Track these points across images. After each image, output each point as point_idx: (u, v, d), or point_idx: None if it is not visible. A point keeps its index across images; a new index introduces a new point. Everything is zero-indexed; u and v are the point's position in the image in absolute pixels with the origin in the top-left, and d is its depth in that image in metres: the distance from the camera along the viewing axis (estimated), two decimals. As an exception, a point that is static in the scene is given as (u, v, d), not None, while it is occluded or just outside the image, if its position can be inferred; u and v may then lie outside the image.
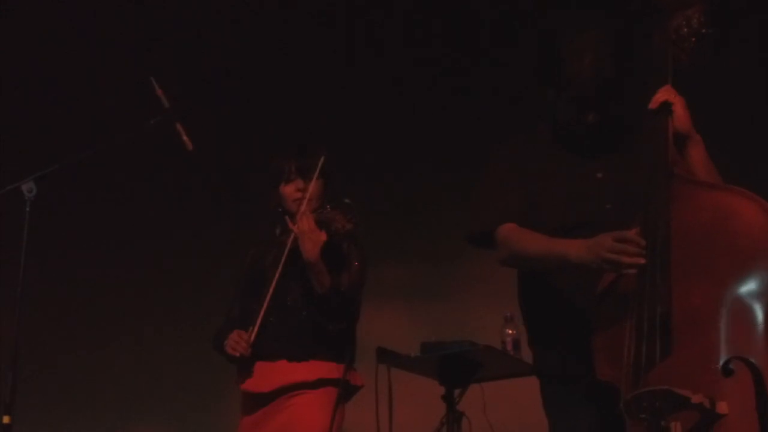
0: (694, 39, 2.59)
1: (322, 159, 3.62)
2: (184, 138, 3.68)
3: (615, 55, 2.69)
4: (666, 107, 2.52)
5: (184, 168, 4.86)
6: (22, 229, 3.52)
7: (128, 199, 5.56)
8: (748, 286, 2.28)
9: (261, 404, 3.65)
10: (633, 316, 2.37)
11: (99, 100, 5.64)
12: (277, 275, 3.59)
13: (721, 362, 2.23)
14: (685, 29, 2.59)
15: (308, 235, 3.51)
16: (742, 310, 2.27)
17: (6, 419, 3.31)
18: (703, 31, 2.60)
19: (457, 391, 3.93)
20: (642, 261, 2.34)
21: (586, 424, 2.61)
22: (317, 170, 3.59)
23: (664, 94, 2.55)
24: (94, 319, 5.35)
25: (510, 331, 4.04)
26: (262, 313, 3.58)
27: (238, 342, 3.59)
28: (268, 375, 3.62)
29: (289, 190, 3.66)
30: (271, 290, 3.61)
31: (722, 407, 2.19)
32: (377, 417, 3.76)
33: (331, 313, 3.56)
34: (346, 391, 3.59)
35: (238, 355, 3.59)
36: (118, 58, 5.86)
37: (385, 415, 3.78)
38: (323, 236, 3.51)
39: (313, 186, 3.62)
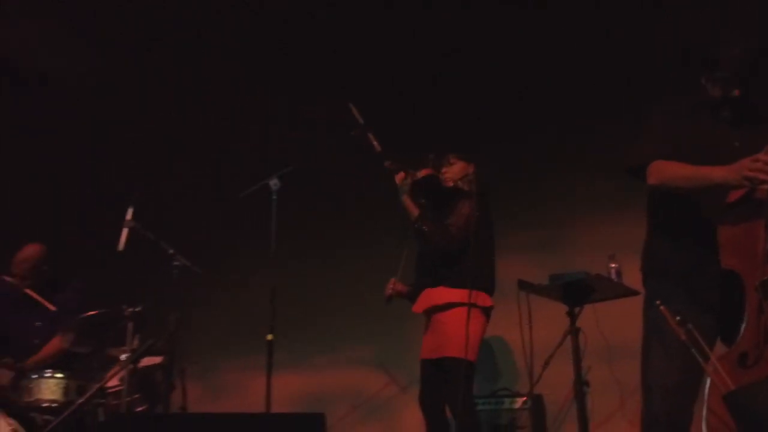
0: None
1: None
2: (374, 143, 4.25)
3: (761, 45, 2.65)
4: None
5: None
6: (271, 213, 4.13)
7: (337, 188, 5.60)
8: None
9: (426, 323, 4.15)
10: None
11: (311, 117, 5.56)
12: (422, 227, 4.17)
13: None
14: None
15: (399, 184, 4.14)
16: None
17: (269, 337, 3.95)
18: None
19: (576, 309, 4.05)
20: None
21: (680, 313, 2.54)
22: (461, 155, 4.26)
23: None
24: (323, 271, 5.58)
25: (613, 265, 4.12)
26: (403, 258, 4.18)
27: (387, 287, 4.20)
28: (421, 299, 4.13)
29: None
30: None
31: None
32: (521, 331, 3.97)
33: (423, 235, 4.06)
34: (483, 310, 3.97)
35: (386, 295, 4.22)
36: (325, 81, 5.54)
37: (527, 329, 3.97)
38: (405, 186, 4.12)
39: (457, 165, 4.23)
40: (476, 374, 4.74)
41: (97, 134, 6.19)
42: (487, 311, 4.05)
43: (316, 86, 5.59)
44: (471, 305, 3.81)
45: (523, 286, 4.05)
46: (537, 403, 4.58)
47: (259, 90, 5.82)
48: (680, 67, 4.45)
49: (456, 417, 3.87)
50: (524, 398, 4.49)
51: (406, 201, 4.12)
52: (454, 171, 4.23)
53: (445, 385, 3.94)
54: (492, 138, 5.29)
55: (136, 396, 4.13)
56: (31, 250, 4.64)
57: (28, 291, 4.55)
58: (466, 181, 4.20)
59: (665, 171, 2.71)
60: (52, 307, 4.53)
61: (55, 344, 4.40)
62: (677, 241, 2.80)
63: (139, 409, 4.16)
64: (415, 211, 4.12)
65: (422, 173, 4.15)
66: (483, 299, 3.99)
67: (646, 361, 2.82)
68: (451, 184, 4.17)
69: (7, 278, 4.57)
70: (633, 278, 4.00)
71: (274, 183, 4.14)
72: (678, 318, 2.50)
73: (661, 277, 2.86)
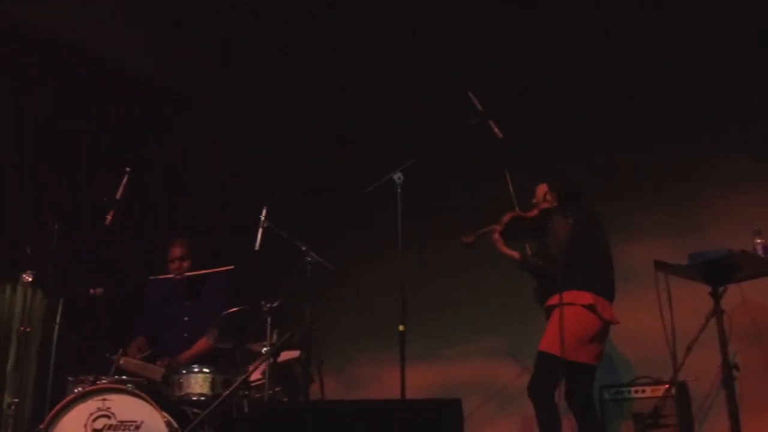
0: None
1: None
2: (495, 130, 4.12)
3: None
4: None
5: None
6: (395, 205, 4.00)
7: (465, 178, 5.57)
8: None
9: None
10: None
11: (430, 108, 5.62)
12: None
13: None
14: None
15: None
16: None
17: (401, 327, 3.83)
18: None
19: (720, 289, 3.86)
20: None
21: None
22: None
23: None
24: (454, 262, 5.45)
25: (759, 240, 3.88)
26: None
27: None
28: None
29: None
30: None
31: None
32: (661, 315, 3.78)
33: (533, 273, 4.30)
34: (583, 307, 4.03)
35: None
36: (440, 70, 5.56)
37: (667, 313, 3.79)
38: (495, 239, 4.38)
39: (538, 189, 4.41)
40: (615, 362, 4.71)
41: (230, 143, 6.42)
42: (590, 308, 4.08)
43: (436, 78, 5.57)
44: (566, 304, 3.92)
45: (661, 267, 3.87)
46: (681, 391, 4.35)
47: (379, 85, 5.86)
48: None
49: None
50: (667, 386, 4.26)
51: (504, 251, 4.38)
52: (538, 196, 4.42)
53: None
54: (625, 114, 5.17)
55: (278, 389, 4.21)
56: (177, 245, 4.87)
57: (180, 278, 4.76)
58: (547, 200, 4.35)
59: None
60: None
61: (202, 345, 4.56)
62: None
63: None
64: (515, 255, 4.35)
65: (504, 220, 4.38)
66: (582, 297, 4.06)
67: None
68: (536, 211, 4.36)
69: (156, 277, 4.81)
70: (782, 254, 3.88)
71: (398, 177, 4.06)
72: None
73: None
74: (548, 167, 4.53)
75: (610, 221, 4.96)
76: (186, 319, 4.79)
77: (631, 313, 4.23)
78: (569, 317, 3.92)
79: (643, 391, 4.44)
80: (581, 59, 5.37)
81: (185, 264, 4.81)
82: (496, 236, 4.39)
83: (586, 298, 4.05)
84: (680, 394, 4.31)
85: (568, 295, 3.99)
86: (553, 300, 4.07)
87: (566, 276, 4.00)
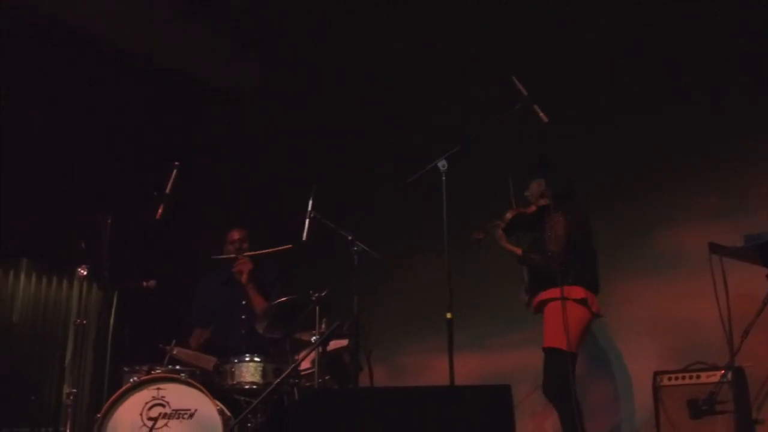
0: None
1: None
2: (541, 114, 4.01)
3: None
4: None
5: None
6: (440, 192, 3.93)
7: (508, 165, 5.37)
8: None
9: None
10: None
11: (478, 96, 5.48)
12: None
13: None
14: None
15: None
16: None
17: (449, 315, 3.82)
18: None
19: None
20: None
21: None
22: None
23: None
24: (499, 250, 5.10)
25: None
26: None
27: None
28: None
29: None
30: None
31: None
32: (716, 299, 3.67)
33: (534, 268, 4.34)
34: (576, 301, 4.10)
35: None
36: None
37: (723, 297, 3.68)
38: (499, 235, 4.50)
39: (534, 187, 4.49)
40: (668, 348, 4.68)
41: (275, 135, 6.48)
42: (582, 302, 4.15)
43: (479, 64, 5.54)
44: (563, 299, 3.91)
45: (715, 249, 3.77)
46: (738, 376, 4.18)
47: (423, 72, 5.85)
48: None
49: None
50: (722, 371, 4.12)
51: (506, 246, 4.50)
52: (533, 195, 4.51)
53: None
54: (676, 98, 5.03)
55: (327, 377, 4.22)
56: (237, 230, 5.03)
57: (241, 256, 4.87)
58: (544, 197, 4.41)
59: None
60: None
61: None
62: None
63: (330, 390, 4.23)
64: (518, 251, 4.46)
65: (507, 218, 4.51)
66: (574, 292, 4.13)
67: None
68: (534, 208, 4.46)
69: (219, 257, 4.92)
70: (843, 234, 3.71)
71: (442, 164, 4.00)
72: None
73: None
74: (547, 163, 4.53)
75: (663, 205, 4.89)
76: (244, 303, 4.87)
77: (685, 298, 4.16)
78: (563, 311, 3.91)
79: (698, 377, 4.32)
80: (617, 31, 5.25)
81: (245, 245, 4.94)
82: (500, 232, 4.55)
83: (579, 292, 4.15)
84: (737, 380, 4.14)
85: (553, 292, 4.08)
86: (546, 295, 4.18)
87: (563, 271, 4.06)
